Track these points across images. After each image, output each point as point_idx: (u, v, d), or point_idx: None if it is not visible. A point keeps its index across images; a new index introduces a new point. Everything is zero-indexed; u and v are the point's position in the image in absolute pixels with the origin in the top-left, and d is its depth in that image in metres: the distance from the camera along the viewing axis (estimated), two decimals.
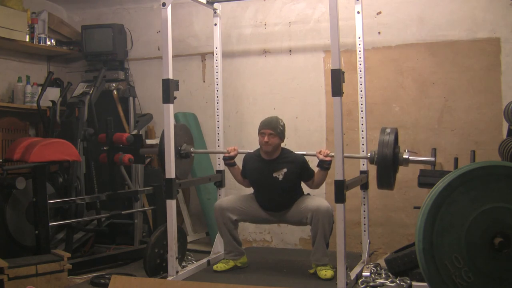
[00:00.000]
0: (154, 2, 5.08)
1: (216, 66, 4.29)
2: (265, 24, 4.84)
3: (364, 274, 3.60)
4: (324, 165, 3.62)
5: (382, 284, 3.42)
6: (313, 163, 3.78)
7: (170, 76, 3.53)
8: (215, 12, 4.25)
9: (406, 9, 4.39)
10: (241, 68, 4.90)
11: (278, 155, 3.74)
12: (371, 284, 3.44)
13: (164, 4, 3.50)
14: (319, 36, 4.65)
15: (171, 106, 3.53)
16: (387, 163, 3.39)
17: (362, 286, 3.41)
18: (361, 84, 4.00)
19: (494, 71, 4.15)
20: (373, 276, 3.57)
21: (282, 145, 3.79)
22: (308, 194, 3.83)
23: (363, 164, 4.04)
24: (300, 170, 3.72)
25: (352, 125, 4.42)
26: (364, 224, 4.03)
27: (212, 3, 4.21)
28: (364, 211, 4.05)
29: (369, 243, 4.05)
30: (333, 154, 3.35)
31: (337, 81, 3.19)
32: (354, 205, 4.08)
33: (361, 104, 4.01)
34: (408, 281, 3.39)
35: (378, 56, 4.45)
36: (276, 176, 3.69)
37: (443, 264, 2.51)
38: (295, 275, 3.66)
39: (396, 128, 3.53)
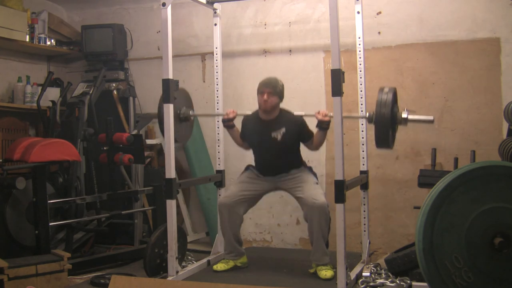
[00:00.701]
0: (154, 2, 5.08)
1: (216, 66, 4.29)
2: (265, 24, 4.84)
3: (364, 274, 3.59)
4: (323, 125, 3.59)
5: (382, 284, 3.42)
6: (311, 125, 3.75)
7: (170, 76, 3.53)
8: (215, 12, 4.25)
9: (406, 9, 4.39)
10: (241, 68, 4.90)
11: (277, 115, 3.73)
12: (371, 284, 3.44)
13: (164, 4, 3.50)
14: (319, 36, 4.65)
15: (171, 106, 3.53)
16: (385, 122, 3.36)
17: (362, 286, 3.41)
18: (361, 84, 4.00)
19: (494, 71, 4.15)
20: (373, 276, 3.57)
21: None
22: (304, 165, 3.80)
23: (363, 164, 4.03)
24: (299, 130, 3.71)
25: (352, 125, 4.42)
26: (364, 224, 4.03)
27: (212, 3, 4.21)
28: (364, 211, 4.05)
29: (369, 243, 4.05)
30: (331, 114, 3.32)
31: (337, 81, 3.19)
32: (354, 205, 4.08)
33: (361, 104, 4.01)
34: (408, 281, 3.39)
35: (378, 56, 4.45)
36: (275, 136, 3.68)
37: (443, 264, 2.51)
38: (295, 275, 3.66)
39: (395, 88, 3.49)
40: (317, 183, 3.72)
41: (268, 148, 3.73)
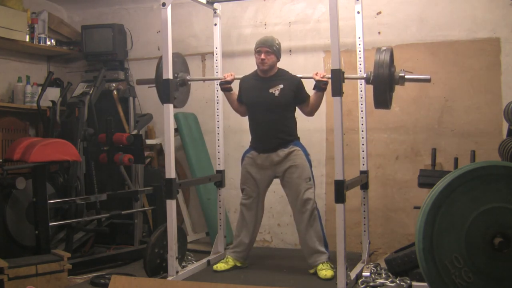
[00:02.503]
0: (154, 2, 5.08)
1: (216, 66, 4.29)
2: (265, 24, 4.84)
3: (364, 274, 3.59)
4: (321, 85, 3.60)
5: (382, 284, 3.42)
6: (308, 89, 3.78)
7: (170, 76, 3.53)
8: (215, 12, 4.26)
9: (406, 9, 4.39)
10: (241, 68, 4.88)
11: (275, 73, 3.77)
12: (371, 284, 3.44)
13: (164, 4, 3.50)
14: (319, 36, 4.65)
15: (171, 106, 3.53)
16: (384, 82, 3.37)
17: (362, 286, 3.41)
18: (361, 84, 4.00)
19: (494, 71, 4.15)
20: (373, 276, 3.56)
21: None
22: (299, 140, 3.80)
23: (363, 164, 4.03)
24: (296, 89, 3.73)
25: (352, 125, 4.41)
26: (364, 224, 4.03)
27: (212, 3, 4.21)
28: (364, 211, 4.05)
29: (369, 243, 4.05)
30: (329, 76, 3.34)
31: (337, 81, 3.19)
32: (354, 205, 4.08)
33: (361, 104, 4.01)
34: (408, 281, 3.38)
35: None
36: (273, 92, 3.70)
37: (443, 264, 2.51)
38: (295, 275, 3.66)
39: (391, 48, 3.51)
40: (310, 179, 3.69)
41: (265, 104, 3.72)
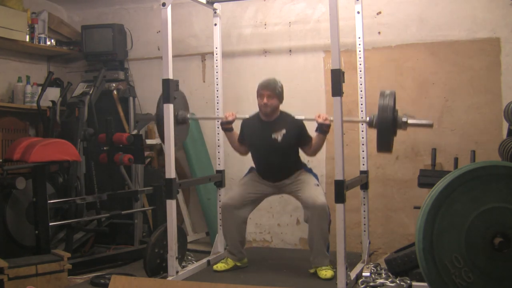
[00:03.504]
0: (154, 2, 5.08)
1: (216, 66, 4.29)
2: (265, 24, 4.84)
3: (364, 274, 3.59)
4: (323, 127, 3.57)
5: (382, 284, 3.42)
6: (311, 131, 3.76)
7: (170, 76, 3.53)
8: (215, 12, 4.25)
9: (406, 9, 4.39)
10: (241, 68, 4.90)
11: (277, 117, 3.73)
12: (371, 284, 3.44)
13: (164, 4, 3.50)
14: (319, 36, 4.65)
15: (171, 106, 3.53)
16: (387, 127, 3.36)
17: (362, 286, 3.41)
18: (361, 84, 4.01)
19: (494, 71, 4.15)
20: (373, 276, 3.57)
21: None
22: (306, 166, 3.82)
23: (363, 164, 4.03)
24: (299, 133, 3.70)
25: (352, 125, 4.41)
26: (364, 224, 4.03)
27: (212, 3, 4.21)
28: (364, 211, 4.05)
29: (369, 243, 4.05)
30: (331, 118, 3.32)
31: (337, 81, 3.19)
32: (354, 205, 4.08)
33: (361, 104, 4.01)
34: (408, 281, 3.38)
35: (378, 56, 4.45)
36: (275, 137, 3.67)
37: (443, 264, 2.51)
38: (295, 275, 3.66)
39: (394, 91, 3.49)
40: (317, 185, 3.71)
41: (268, 150, 3.72)
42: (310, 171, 3.82)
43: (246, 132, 3.85)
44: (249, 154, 3.91)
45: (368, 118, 3.54)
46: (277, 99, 3.67)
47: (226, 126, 3.84)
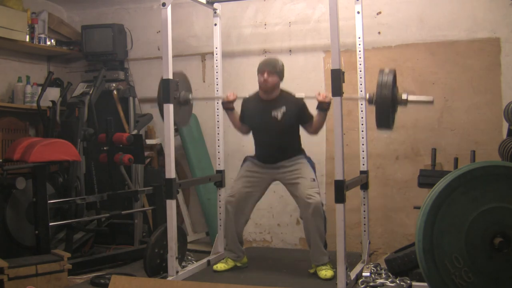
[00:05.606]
0: (154, 2, 5.08)
1: (216, 66, 4.29)
2: (265, 24, 4.84)
3: (364, 274, 3.59)
4: (324, 106, 3.57)
5: (382, 284, 3.42)
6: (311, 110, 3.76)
7: (170, 76, 3.53)
8: (215, 12, 4.25)
9: (406, 9, 4.39)
10: (241, 68, 4.90)
11: (277, 95, 3.73)
12: (371, 284, 3.44)
13: (164, 4, 3.50)
14: (319, 36, 4.65)
15: (171, 106, 3.53)
16: (386, 103, 3.35)
17: (362, 286, 3.41)
18: (361, 84, 4.00)
19: (494, 71, 4.15)
20: (373, 276, 3.57)
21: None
22: (304, 153, 3.80)
23: (363, 164, 4.03)
24: (299, 111, 3.70)
25: (352, 125, 4.41)
26: (364, 224, 4.03)
27: (212, 3, 4.21)
28: (364, 211, 4.05)
29: (369, 243, 4.05)
30: (331, 96, 3.31)
31: (337, 81, 3.19)
32: (354, 205, 4.08)
33: (361, 104, 4.01)
34: (408, 281, 3.39)
35: (378, 56, 4.45)
36: (275, 115, 3.68)
37: (443, 264, 2.51)
38: (295, 275, 3.66)
39: (395, 69, 3.48)
40: (314, 180, 3.69)
41: (268, 128, 3.72)
42: (309, 160, 3.80)
43: (246, 112, 3.87)
44: (251, 135, 3.91)
45: (367, 95, 3.51)
46: (278, 76, 3.68)
47: (227, 105, 3.86)
